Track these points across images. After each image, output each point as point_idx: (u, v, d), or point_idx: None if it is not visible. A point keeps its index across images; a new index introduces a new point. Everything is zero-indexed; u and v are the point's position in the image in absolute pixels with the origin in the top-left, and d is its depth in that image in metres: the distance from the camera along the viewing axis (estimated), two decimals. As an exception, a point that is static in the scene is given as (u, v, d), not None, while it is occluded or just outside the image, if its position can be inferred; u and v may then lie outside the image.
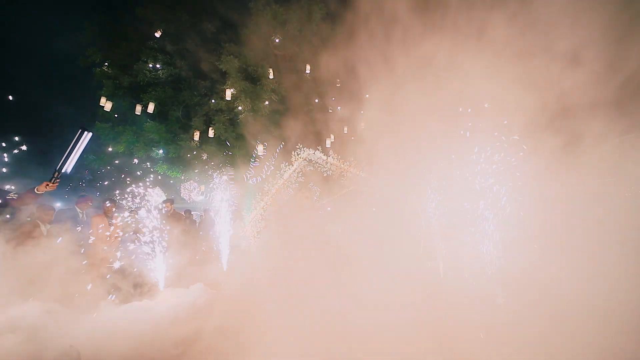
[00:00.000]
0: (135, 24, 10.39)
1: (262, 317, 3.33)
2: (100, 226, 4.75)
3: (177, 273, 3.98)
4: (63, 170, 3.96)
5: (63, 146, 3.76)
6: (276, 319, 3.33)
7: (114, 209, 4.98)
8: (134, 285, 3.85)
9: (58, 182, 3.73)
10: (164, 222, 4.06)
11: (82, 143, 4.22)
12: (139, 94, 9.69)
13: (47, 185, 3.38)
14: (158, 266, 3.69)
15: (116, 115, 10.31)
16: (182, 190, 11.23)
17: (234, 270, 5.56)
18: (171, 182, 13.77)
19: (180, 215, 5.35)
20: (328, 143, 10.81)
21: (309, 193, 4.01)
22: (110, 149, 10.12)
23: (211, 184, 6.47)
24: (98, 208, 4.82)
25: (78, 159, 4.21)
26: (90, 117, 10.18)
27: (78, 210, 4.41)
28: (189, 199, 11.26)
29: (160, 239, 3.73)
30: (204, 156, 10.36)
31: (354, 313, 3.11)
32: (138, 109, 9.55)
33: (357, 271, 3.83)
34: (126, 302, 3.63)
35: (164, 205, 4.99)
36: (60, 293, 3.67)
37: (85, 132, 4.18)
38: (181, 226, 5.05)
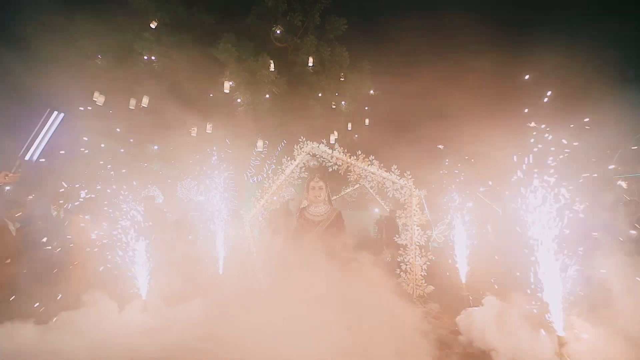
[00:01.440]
0: (131, 15, 9.96)
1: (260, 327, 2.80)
2: (82, 226, 4.26)
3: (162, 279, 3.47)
4: (28, 158, 3.47)
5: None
6: (276, 328, 2.79)
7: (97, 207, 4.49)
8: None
9: (21, 172, 3.23)
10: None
11: (51, 126, 3.72)
12: (133, 87, 9.22)
13: (7, 175, 2.87)
14: (140, 271, 3.18)
15: (110, 111, 9.85)
16: (179, 189, 10.73)
17: (231, 274, 5.08)
18: (169, 181, 13.31)
19: (163, 215, 4.84)
20: (332, 139, 10.34)
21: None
22: (103, 145, 9.63)
23: (210, 183, 5.96)
24: (77, 204, 4.33)
25: (47, 144, 3.72)
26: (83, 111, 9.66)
27: (53, 207, 3.90)
28: (187, 199, 10.76)
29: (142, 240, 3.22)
30: (202, 153, 9.88)
31: (358, 323, 2.57)
32: (132, 102, 9.08)
33: (363, 275, 3.26)
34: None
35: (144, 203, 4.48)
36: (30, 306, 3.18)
37: (55, 113, 3.66)
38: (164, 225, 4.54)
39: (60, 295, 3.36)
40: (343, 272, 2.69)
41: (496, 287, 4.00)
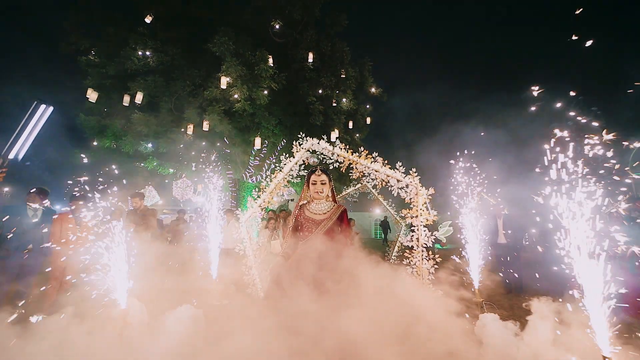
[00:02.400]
0: (125, 9, 9.69)
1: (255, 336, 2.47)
2: (70, 226, 3.95)
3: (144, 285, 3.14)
4: (12, 156, 3.16)
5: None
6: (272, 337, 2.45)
7: (83, 207, 4.18)
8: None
9: (5, 171, 2.92)
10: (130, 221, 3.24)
11: (38, 120, 3.40)
12: (127, 83, 8.93)
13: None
14: (119, 277, 2.84)
15: (105, 110, 9.57)
16: (174, 188, 10.41)
17: (225, 278, 4.75)
18: (166, 181, 12.98)
19: (153, 214, 4.51)
20: (333, 137, 10.03)
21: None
22: (95, 143, 9.33)
23: (206, 182, 5.64)
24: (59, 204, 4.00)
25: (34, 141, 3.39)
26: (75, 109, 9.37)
27: (29, 206, 3.59)
28: (182, 199, 10.44)
29: (122, 243, 2.89)
30: (198, 151, 9.59)
31: (362, 338, 2.22)
32: (126, 99, 8.78)
33: (369, 284, 2.92)
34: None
35: (130, 200, 4.16)
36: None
37: (43, 106, 3.35)
38: (153, 227, 4.22)
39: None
40: (348, 278, 2.34)
41: (519, 293, 3.67)
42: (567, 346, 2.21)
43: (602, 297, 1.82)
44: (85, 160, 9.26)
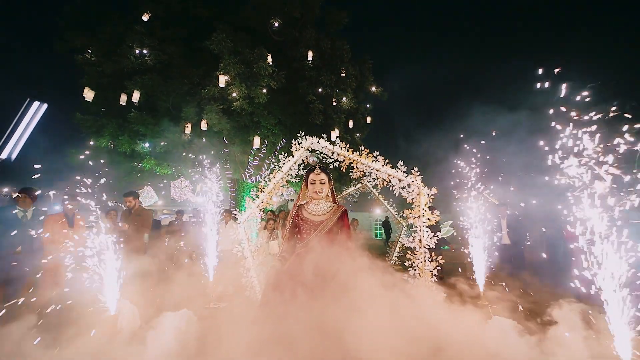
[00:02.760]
0: (122, 7, 9.58)
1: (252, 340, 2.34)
2: (62, 228, 3.82)
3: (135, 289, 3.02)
4: (5, 156, 3.03)
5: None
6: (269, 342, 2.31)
7: (76, 208, 4.06)
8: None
9: None
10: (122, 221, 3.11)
11: (32, 118, 3.28)
12: (123, 82, 8.80)
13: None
14: (108, 282, 2.72)
15: (103, 109, 9.44)
16: (172, 188, 10.28)
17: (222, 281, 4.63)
18: (164, 181, 12.85)
19: (148, 214, 4.37)
20: (333, 136, 9.88)
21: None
22: (92, 143, 9.20)
23: (204, 182, 5.51)
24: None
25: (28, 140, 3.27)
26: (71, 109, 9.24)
27: (18, 208, 3.46)
28: (180, 199, 10.31)
29: (113, 245, 2.77)
30: (197, 151, 9.46)
31: (364, 348, 2.09)
32: (123, 98, 8.64)
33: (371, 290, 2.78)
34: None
35: (124, 200, 4.04)
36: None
37: (37, 103, 3.23)
38: (147, 227, 4.09)
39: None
40: (349, 284, 2.20)
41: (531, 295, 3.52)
42: (575, 349, 2.09)
43: (623, 300, 1.70)
44: (80, 160, 9.11)
